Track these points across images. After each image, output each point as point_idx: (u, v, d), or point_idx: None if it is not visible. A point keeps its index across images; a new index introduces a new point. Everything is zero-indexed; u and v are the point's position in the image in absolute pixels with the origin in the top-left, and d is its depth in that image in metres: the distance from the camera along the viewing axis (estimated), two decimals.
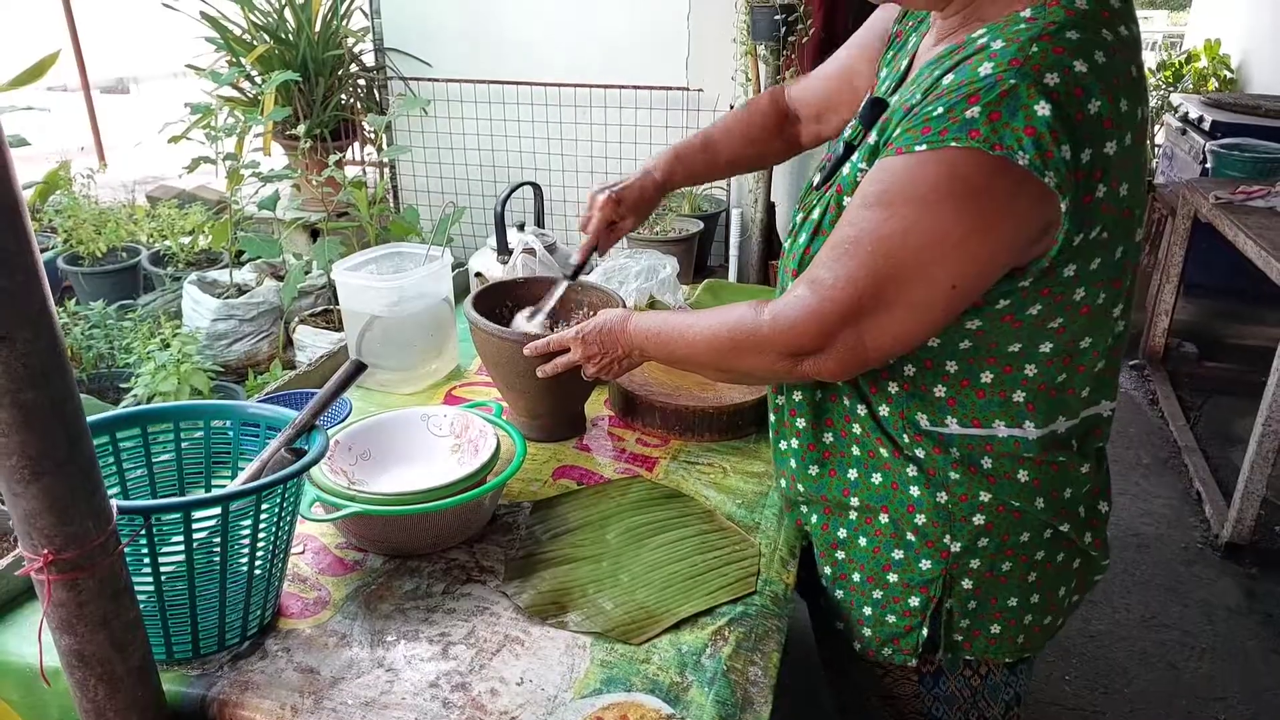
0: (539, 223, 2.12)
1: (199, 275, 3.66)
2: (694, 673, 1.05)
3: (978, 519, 1.10)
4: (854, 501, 1.19)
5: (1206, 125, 4.59)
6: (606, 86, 4.05)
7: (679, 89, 4.02)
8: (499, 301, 1.60)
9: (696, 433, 1.55)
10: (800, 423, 1.22)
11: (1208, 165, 4.21)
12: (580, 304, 1.61)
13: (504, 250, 1.93)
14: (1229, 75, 6.49)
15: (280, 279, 3.62)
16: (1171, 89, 6.37)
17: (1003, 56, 0.91)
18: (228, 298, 3.47)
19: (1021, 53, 0.90)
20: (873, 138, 1.07)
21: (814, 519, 1.26)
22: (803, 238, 1.14)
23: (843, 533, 1.22)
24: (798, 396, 1.21)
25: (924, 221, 0.94)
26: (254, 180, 3.30)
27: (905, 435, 1.11)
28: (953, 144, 0.90)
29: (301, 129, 3.43)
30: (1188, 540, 2.97)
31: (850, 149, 1.14)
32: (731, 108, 3.88)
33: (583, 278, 1.61)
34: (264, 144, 3.92)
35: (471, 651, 1.07)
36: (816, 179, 1.19)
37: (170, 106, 4.20)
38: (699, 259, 4.15)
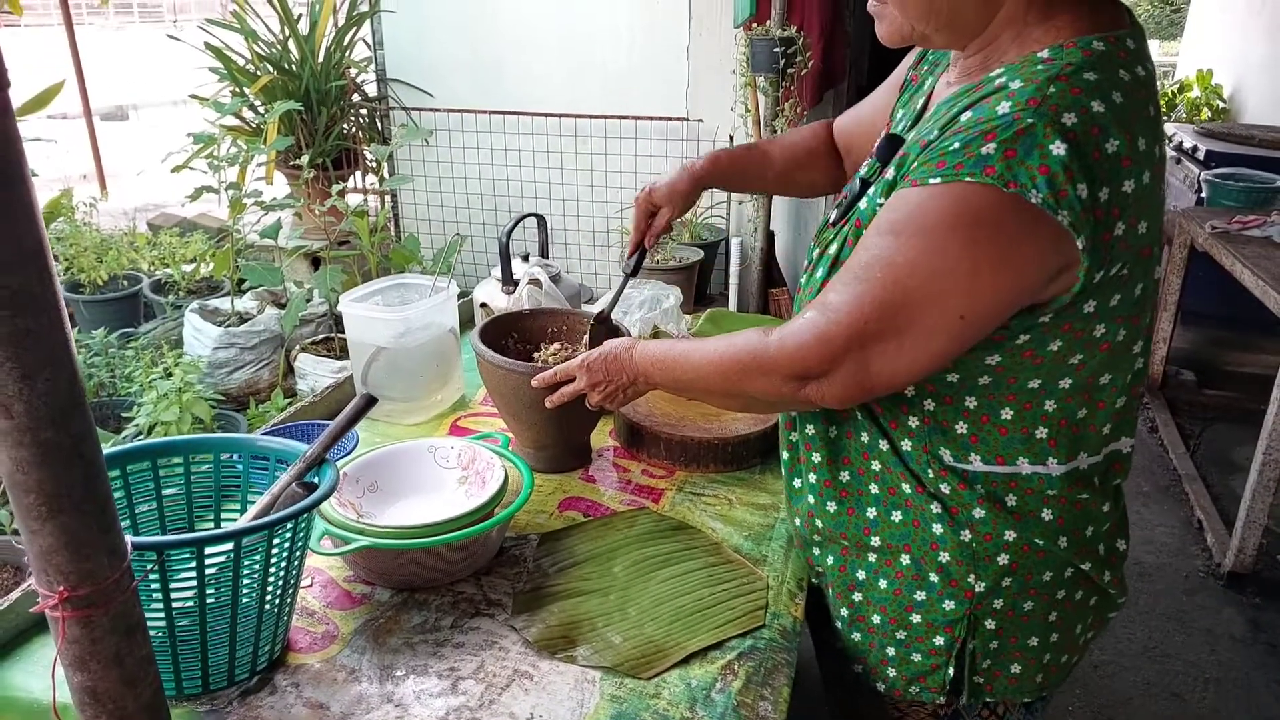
0: (543, 253, 2.13)
1: (200, 303, 3.67)
2: (704, 707, 1.05)
3: (1003, 558, 1.09)
4: (875, 541, 1.17)
5: (1201, 155, 4.64)
6: (607, 117, 4.08)
7: (679, 119, 4.05)
8: (505, 333, 1.61)
9: (702, 464, 1.55)
10: (816, 458, 1.21)
11: (1202, 195, 4.24)
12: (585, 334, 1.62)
13: (509, 281, 1.94)
14: (1221, 105, 6.56)
15: (281, 307, 3.63)
16: (1165, 118, 6.43)
17: (1021, 96, 0.91)
18: (229, 326, 3.47)
19: (1039, 93, 0.90)
20: (890, 173, 1.07)
21: (829, 560, 1.24)
22: (820, 272, 1.14)
23: (861, 574, 1.20)
24: (811, 431, 1.20)
25: (933, 252, 0.94)
26: (256, 209, 3.32)
27: (930, 470, 1.10)
28: (967, 179, 0.91)
29: (304, 158, 3.46)
30: (1190, 569, 2.97)
31: (866, 185, 1.14)
32: (731, 139, 3.95)
33: (588, 308, 1.63)
34: (266, 173, 3.94)
35: (481, 686, 1.07)
36: (833, 215, 1.19)
37: (170, 134, 4.23)
38: (699, 287, 4.16)
